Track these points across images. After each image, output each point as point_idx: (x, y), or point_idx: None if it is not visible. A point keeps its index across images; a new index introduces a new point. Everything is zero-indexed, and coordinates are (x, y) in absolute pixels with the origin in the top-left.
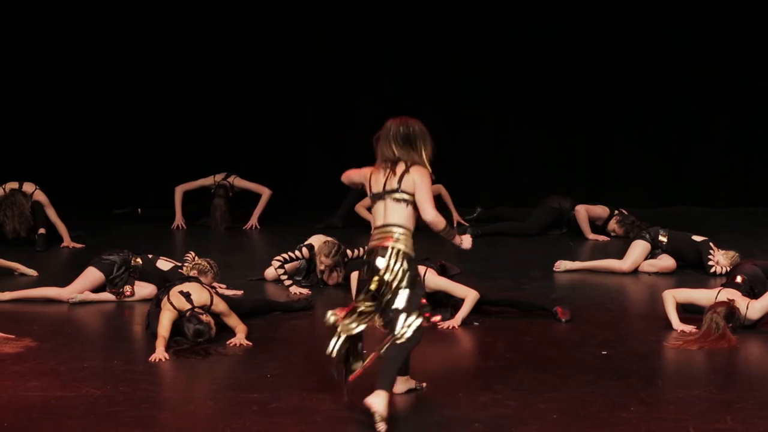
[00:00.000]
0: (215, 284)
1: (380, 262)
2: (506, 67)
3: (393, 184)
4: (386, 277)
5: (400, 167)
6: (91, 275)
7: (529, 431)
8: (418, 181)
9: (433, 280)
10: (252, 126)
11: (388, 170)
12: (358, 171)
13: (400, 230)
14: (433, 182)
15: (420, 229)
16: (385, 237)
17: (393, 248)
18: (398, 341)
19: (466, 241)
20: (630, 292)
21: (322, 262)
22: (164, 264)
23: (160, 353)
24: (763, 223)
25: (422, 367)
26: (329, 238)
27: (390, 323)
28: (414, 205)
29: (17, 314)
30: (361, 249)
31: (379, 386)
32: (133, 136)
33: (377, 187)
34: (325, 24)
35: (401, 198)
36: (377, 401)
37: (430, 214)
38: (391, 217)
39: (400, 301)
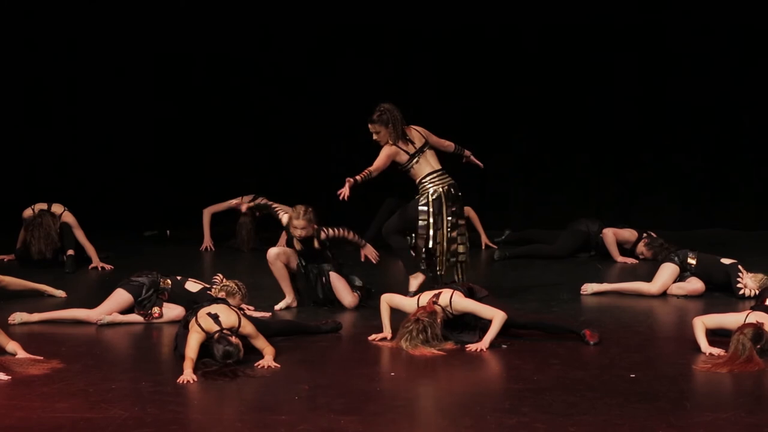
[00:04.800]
0: (243, 306)
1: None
2: (537, 92)
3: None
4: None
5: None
6: (120, 297)
7: None
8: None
9: (460, 302)
10: (280, 148)
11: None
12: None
13: None
14: (463, 204)
15: None
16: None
17: None
18: None
19: None
20: (658, 315)
21: (296, 227)
22: (193, 286)
23: (188, 375)
24: None
25: (450, 388)
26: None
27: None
28: None
29: (46, 335)
30: (340, 230)
31: None
32: (161, 158)
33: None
34: (360, 53)
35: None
36: None
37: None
38: None
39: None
